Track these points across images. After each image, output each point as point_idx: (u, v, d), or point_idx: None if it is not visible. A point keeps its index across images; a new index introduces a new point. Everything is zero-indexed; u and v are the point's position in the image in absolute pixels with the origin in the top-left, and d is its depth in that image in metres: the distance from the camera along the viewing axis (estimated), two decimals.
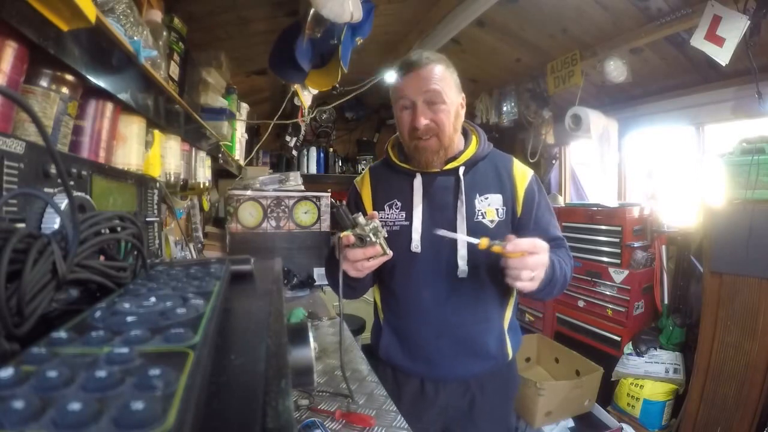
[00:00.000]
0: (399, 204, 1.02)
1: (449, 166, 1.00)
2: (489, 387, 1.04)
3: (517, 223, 1.00)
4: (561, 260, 0.95)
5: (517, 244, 0.80)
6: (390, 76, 2.71)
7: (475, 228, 0.96)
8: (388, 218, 1.02)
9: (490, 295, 1.00)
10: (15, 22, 0.50)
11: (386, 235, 0.85)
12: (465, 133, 1.08)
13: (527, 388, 2.00)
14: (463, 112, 1.01)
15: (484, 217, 0.98)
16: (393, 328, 1.06)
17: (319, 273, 2.42)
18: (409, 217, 1.00)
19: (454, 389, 1.03)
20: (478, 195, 0.99)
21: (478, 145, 1.04)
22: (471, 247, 0.94)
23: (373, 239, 0.81)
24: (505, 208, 0.99)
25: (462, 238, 0.90)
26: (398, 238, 0.99)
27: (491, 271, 0.97)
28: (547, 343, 2.56)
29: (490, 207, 0.99)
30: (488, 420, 1.05)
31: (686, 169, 2.41)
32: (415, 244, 0.97)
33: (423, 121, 0.92)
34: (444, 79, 0.93)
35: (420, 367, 1.02)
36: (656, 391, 2.02)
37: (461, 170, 0.99)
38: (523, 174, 1.03)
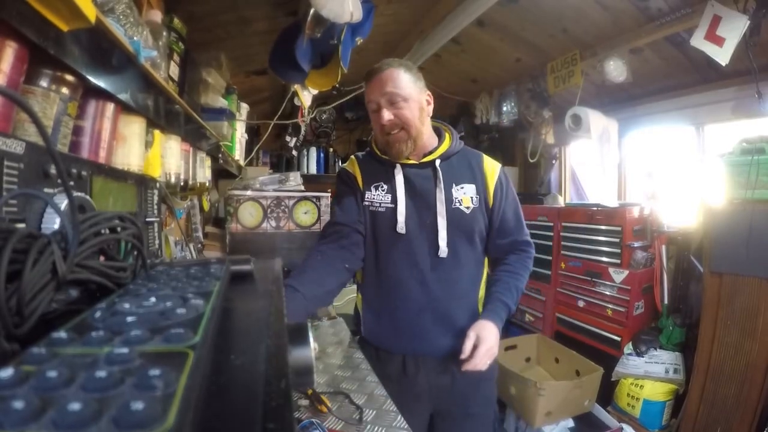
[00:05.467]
0: (385, 187, 1.11)
1: (426, 159, 1.11)
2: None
3: (489, 212, 1.12)
4: (517, 284, 1.10)
5: (476, 364, 0.97)
6: None
7: (453, 213, 1.07)
8: (374, 198, 1.11)
9: (466, 273, 1.10)
10: (15, 22, 0.50)
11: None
12: (439, 133, 1.18)
13: (527, 388, 2.00)
14: (429, 108, 1.11)
15: (460, 204, 1.09)
16: (373, 307, 1.13)
17: None
18: (395, 200, 1.09)
19: (434, 366, 1.09)
20: (454, 185, 1.10)
21: (452, 142, 1.15)
22: (450, 230, 1.06)
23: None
24: (479, 196, 1.11)
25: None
26: (384, 218, 1.08)
27: (467, 253, 1.09)
28: (547, 343, 2.56)
29: (466, 195, 1.10)
30: (472, 397, 1.12)
31: (686, 169, 2.41)
32: (401, 226, 1.06)
33: (386, 117, 1.03)
34: (401, 79, 1.04)
35: (401, 342, 1.10)
36: (656, 391, 2.02)
37: (437, 162, 1.10)
38: (492, 168, 1.14)
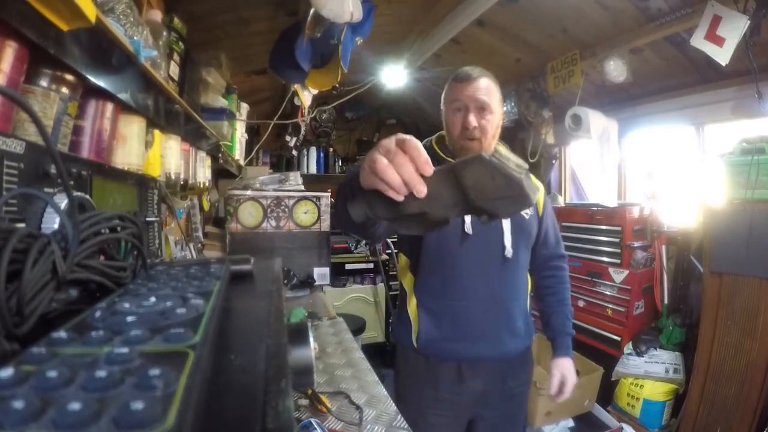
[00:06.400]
0: None
1: None
2: (517, 369, 1.14)
3: (540, 221, 1.19)
4: (570, 311, 1.23)
5: (565, 397, 1.16)
6: (390, 78, 2.71)
7: (515, 218, 1.10)
8: None
9: (522, 275, 1.14)
10: (15, 22, 0.50)
11: None
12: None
13: None
14: (501, 123, 1.12)
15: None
16: (431, 312, 1.10)
17: (319, 273, 2.42)
18: None
19: (490, 370, 1.10)
20: None
21: None
22: (514, 231, 1.09)
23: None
24: (533, 206, 1.14)
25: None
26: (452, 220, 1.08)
27: (524, 257, 1.14)
28: (548, 343, 2.56)
29: None
30: (515, 402, 1.15)
31: (686, 169, 2.41)
32: (468, 226, 1.06)
33: (474, 123, 1.03)
34: (492, 92, 1.06)
35: (460, 347, 1.07)
36: (656, 391, 2.02)
37: None
38: (538, 184, 1.18)
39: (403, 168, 0.52)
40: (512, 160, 0.56)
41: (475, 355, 1.08)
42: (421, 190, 0.53)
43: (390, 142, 0.54)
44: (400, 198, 0.53)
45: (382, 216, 0.57)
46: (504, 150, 0.56)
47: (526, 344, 1.15)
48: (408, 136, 0.55)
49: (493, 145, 1.12)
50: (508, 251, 1.07)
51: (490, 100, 1.04)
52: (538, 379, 2.05)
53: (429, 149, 1.17)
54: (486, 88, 1.05)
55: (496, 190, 0.55)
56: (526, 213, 1.13)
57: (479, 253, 1.07)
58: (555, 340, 1.22)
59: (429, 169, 0.54)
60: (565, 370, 1.17)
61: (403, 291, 1.17)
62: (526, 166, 0.58)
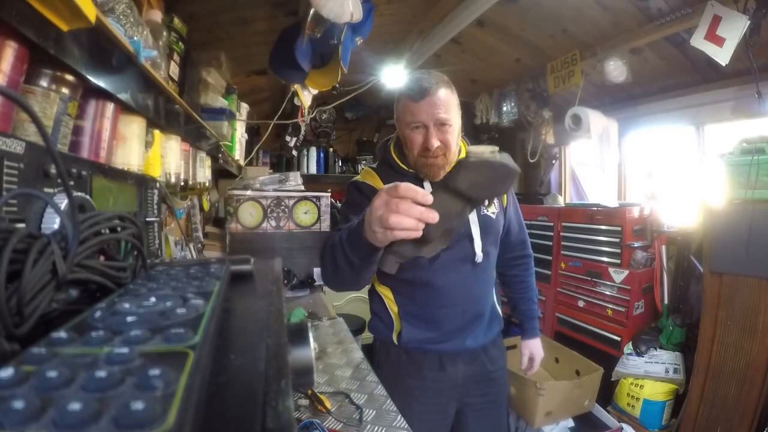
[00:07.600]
0: None
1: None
2: (493, 353, 1.20)
3: (506, 212, 1.23)
4: (535, 295, 1.33)
5: (533, 369, 1.35)
6: (390, 78, 2.71)
7: (483, 219, 1.12)
8: None
9: (492, 271, 1.20)
10: (15, 22, 0.50)
11: None
12: None
13: (527, 388, 2.00)
14: (460, 128, 1.10)
15: (487, 211, 1.15)
16: (413, 316, 1.12)
17: (319, 273, 2.42)
18: None
19: (468, 358, 1.15)
20: None
21: None
22: (483, 236, 1.11)
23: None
24: (498, 201, 1.19)
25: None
26: None
27: (494, 254, 1.18)
28: (547, 343, 2.55)
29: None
30: (495, 385, 1.20)
31: (686, 169, 2.41)
32: None
33: (435, 143, 1.01)
34: (450, 103, 1.02)
35: (440, 345, 1.11)
36: (656, 391, 2.02)
37: None
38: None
39: (410, 210, 0.60)
40: (485, 150, 0.66)
41: (453, 348, 1.12)
42: (434, 217, 0.61)
43: (381, 199, 0.63)
44: (419, 235, 0.62)
45: (411, 255, 0.68)
46: (472, 147, 0.67)
47: (497, 332, 1.21)
48: (392, 185, 0.63)
49: (455, 150, 1.08)
50: (479, 257, 1.09)
51: (448, 114, 1.00)
52: (538, 379, 2.05)
53: (388, 157, 1.15)
54: (444, 101, 0.99)
55: (488, 180, 0.65)
56: (493, 212, 1.15)
57: (453, 260, 1.08)
58: (524, 324, 1.33)
59: (430, 198, 0.61)
60: (534, 348, 1.32)
61: (377, 294, 1.18)
62: (496, 147, 0.67)
